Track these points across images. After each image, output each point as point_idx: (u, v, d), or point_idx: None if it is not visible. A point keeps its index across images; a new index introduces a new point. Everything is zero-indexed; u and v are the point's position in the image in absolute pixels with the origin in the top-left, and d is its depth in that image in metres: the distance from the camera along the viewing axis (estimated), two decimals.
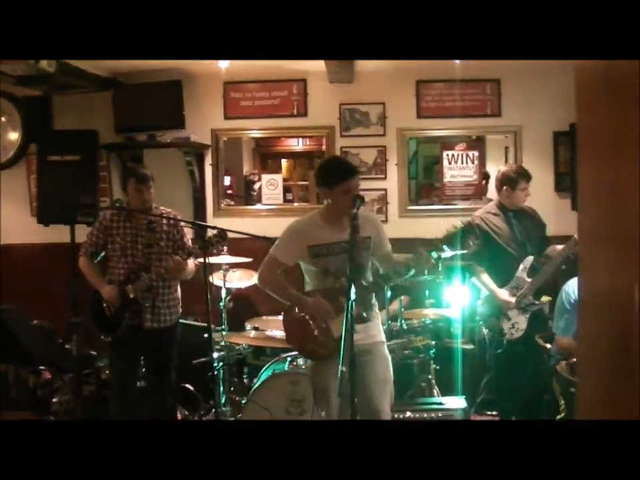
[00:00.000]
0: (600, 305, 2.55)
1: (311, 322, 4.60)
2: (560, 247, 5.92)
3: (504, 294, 5.98)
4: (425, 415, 5.74)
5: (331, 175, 4.59)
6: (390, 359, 4.77)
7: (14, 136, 8.02)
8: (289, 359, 5.93)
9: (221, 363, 6.20)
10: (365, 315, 4.48)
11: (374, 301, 4.75)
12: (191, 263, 5.69)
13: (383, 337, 4.80)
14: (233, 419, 6.15)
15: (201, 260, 5.41)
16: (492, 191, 7.60)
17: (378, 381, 4.58)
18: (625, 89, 2.30)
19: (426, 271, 5.53)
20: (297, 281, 4.85)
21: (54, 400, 6.96)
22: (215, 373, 6.04)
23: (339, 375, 3.78)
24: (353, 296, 3.86)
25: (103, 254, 5.80)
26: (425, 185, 9.50)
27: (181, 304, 5.85)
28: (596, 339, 2.61)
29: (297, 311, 4.69)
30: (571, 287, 5.56)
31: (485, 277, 6.00)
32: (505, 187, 6.07)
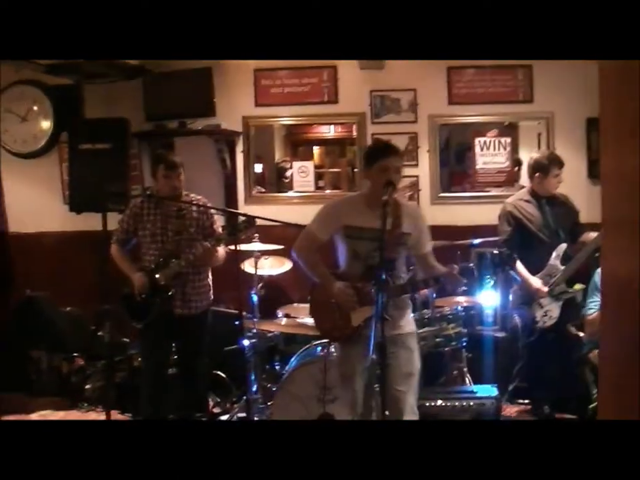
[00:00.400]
0: (620, 294, 2.52)
1: (333, 303, 4.57)
2: (594, 234, 5.86)
3: (537, 282, 5.94)
4: (457, 404, 5.72)
5: (370, 154, 4.59)
6: (417, 351, 4.66)
7: (46, 124, 8.05)
8: (320, 346, 5.91)
9: (252, 351, 6.20)
10: (384, 314, 4.34)
11: (404, 299, 4.65)
12: (221, 249, 5.69)
13: (410, 329, 4.68)
14: (263, 406, 6.15)
15: (232, 247, 5.41)
16: (525, 178, 7.54)
17: (400, 374, 4.47)
18: None
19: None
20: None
21: (87, 386, 7.03)
22: (247, 360, 6.05)
23: (368, 364, 3.79)
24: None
25: (134, 241, 5.80)
26: (457, 171, 9.44)
27: (212, 291, 5.85)
28: (616, 328, 2.58)
29: (323, 289, 4.67)
30: None
31: (519, 265, 5.95)
32: (537, 174, 6.04)
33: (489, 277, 6.04)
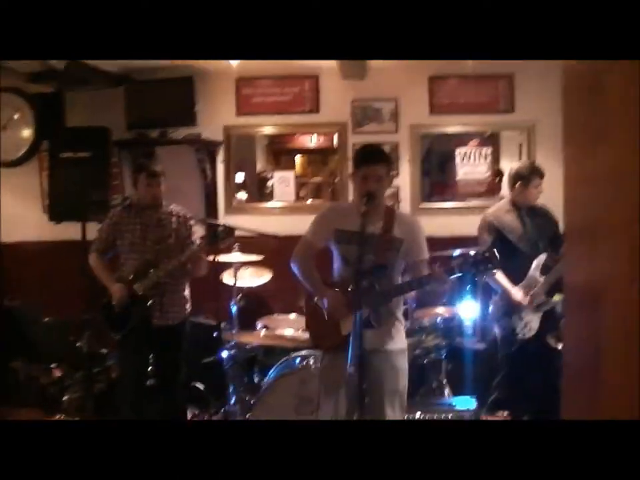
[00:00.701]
0: (580, 301, 2.54)
1: (324, 312, 4.54)
2: None
3: (518, 294, 5.93)
4: (436, 416, 5.70)
5: (354, 160, 4.57)
6: (405, 370, 4.55)
7: (26, 133, 8.00)
8: (299, 358, 5.89)
9: (231, 362, 6.17)
10: (371, 320, 4.28)
11: (395, 306, 4.56)
12: (202, 261, 5.66)
13: (400, 345, 4.56)
14: (242, 418, 6.12)
15: (212, 258, 5.39)
16: (505, 188, 7.55)
17: (384, 391, 4.41)
18: (604, 88, 2.30)
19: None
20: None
21: (64, 398, 6.97)
22: (225, 371, 6.03)
23: (348, 376, 3.77)
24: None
25: (113, 251, 5.77)
26: (437, 182, 9.45)
27: (190, 302, 5.82)
28: (577, 332, 2.61)
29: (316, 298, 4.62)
30: None
31: (500, 276, 5.95)
32: (517, 184, 6.04)
33: (469, 279, 6.06)
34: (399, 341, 4.56)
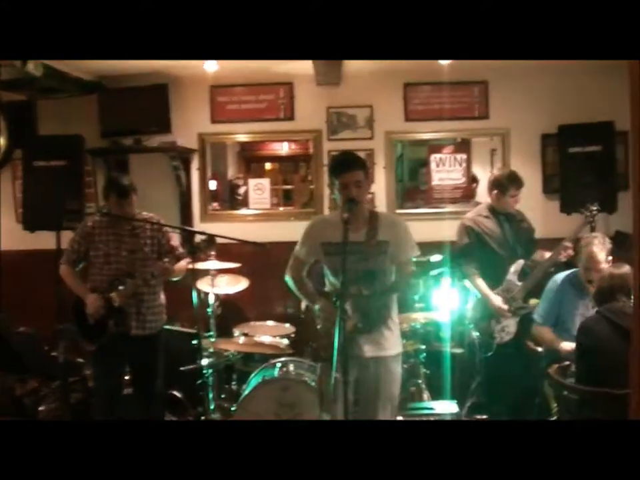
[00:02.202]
0: None
1: (321, 323, 4.54)
2: (547, 253, 5.96)
3: (498, 300, 5.96)
4: (417, 420, 5.72)
5: (331, 170, 4.57)
6: (399, 373, 4.61)
7: None
8: (278, 364, 5.88)
9: (209, 370, 6.14)
10: (359, 325, 4.30)
11: (386, 310, 4.55)
12: (183, 262, 5.63)
13: (395, 351, 4.60)
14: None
15: (190, 266, 5.36)
16: (480, 194, 7.59)
17: (379, 397, 4.46)
18: None
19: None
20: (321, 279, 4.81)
21: (40, 408, 6.90)
22: (204, 379, 6.00)
23: (332, 381, 3.78)
24: (346, 305, 3.84)
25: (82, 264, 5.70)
26: (411, 188, 9.47)
27: (165, 310, 5.78)
28: None
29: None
30: (559, 278, 5.71)
31: (479, 281, 5.99)
32: (495, 191, 6.07)
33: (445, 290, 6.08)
34: (395, 346, 4.61)
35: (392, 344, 4.57)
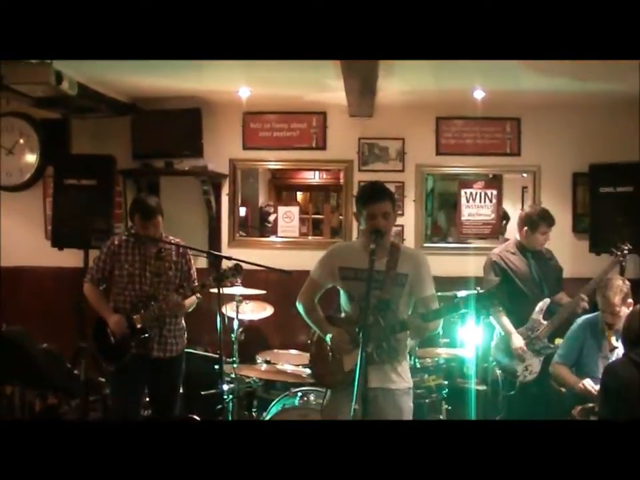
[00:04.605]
0: None
1: (329, 349, 4.52)
2: (567, 298, 6.06)
3: (519, 340, 5.92)
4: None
5: (358, 200, 4.53)
6: (409, 408, 4.48)
7: (31, 158, 7.99)
8: (299, 393, 5.85)
9: (230, 395, 6.12)
10: (375, 355, 4.25)
11: (399, 343, 4.46)
12: (192, 298, 5.59)
13: (404, 385, 4.48)
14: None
15: (215, 290, 5.35)
16: (510, 231, 7.55)
17: None
18: None
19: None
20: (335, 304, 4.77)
21: None
22: (224, 404, 5.98)
23: (352, 412, 3.74)
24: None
25: (105, 284, 5.70)
26: (439, 223, 9.48)
27: (186, 334, 5.77)
28: None
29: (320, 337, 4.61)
30: (581, 320, 5.61)
31: (503, 318, 5.94)
32: (525, 228, 6.03)
33: (473, 319, 6.03)
34: (404, 380, 4.50)
35: (401, 377, 4.48)
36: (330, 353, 4.52)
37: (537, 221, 6.01)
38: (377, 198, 4.39)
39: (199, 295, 5.59)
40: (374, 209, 4.34)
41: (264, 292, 6.63)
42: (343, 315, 4.60)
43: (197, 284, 5.54)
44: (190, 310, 5.67)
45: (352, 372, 4.20)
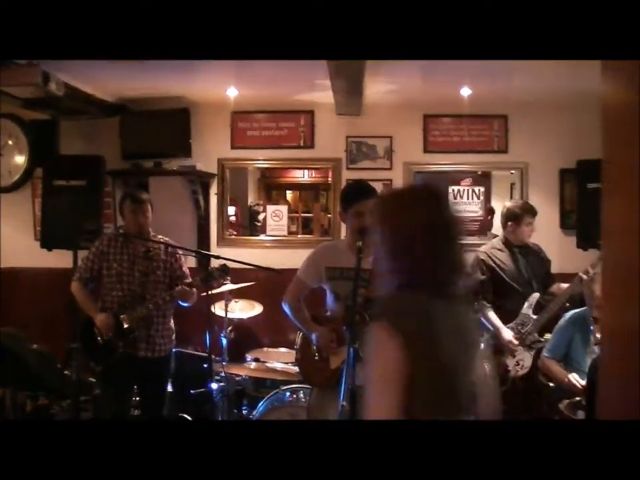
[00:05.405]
0: (621, 344, 2.51)
1: (315, 348, 4.55)
2: (564, 285, 5.93)
3: (508, 334, 5.94)
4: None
5: (344, 198, 4.57)
6: None
7: (20, 159, 7.99)
8: (288, 391, 5.88)
9: (220, 394, 6.14)
10: (362, 353, 4.32)
11: None
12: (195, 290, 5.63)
13: None
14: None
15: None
16: (497, 227, 7.58)
17: None
18: None
19: None
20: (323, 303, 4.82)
21: None
22: (214, 403, 5.99)
23: (340, 409, 3.76)
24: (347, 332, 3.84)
25: (94, 283, 5.72)
26: None
27: (174, 334, 5.78)
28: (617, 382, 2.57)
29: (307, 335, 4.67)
30: (569, 314, 5.65)
31: (491, 314, 5.97)
32: (509, 223, 6.07)
33: None
34: None
35: None
36: (316, 352, 4.57)
37: (521, 213, 6.05)
38: (362, 196, 4.42)
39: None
40: (359, 207, 4.37)
41: (252, 283, 6.64)
42: (328, 313, 4.63)
43: (190, 280, 5.56)
44: (187, 305, 5.68)
45: (338, 370, 4.25)
